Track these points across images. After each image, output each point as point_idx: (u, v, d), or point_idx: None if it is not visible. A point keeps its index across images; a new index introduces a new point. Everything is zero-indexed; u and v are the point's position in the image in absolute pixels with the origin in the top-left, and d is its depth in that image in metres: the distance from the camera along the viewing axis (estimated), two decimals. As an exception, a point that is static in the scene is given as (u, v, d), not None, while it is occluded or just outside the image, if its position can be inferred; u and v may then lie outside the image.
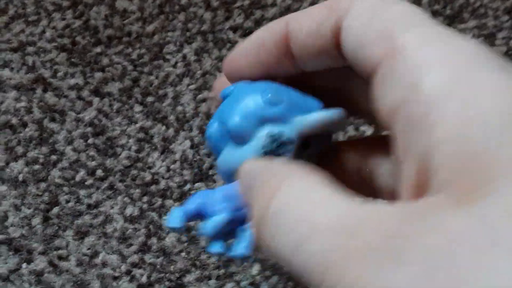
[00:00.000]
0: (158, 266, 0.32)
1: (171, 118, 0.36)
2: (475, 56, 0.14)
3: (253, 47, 0.19)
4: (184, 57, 0.39)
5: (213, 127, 0.20)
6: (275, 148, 0.20)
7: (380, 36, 0.16)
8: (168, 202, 0.34)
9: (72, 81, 0.37)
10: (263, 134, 0.20)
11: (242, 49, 0.20)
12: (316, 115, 0.20)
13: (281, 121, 0.20)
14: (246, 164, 0.18)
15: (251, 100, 0.19)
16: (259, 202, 0.15)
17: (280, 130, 0.20)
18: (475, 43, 0.15)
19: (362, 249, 0.12)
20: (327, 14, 0.17)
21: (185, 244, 0.32)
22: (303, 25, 0.18)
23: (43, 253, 0.32)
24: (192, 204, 0.20)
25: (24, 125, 0.35)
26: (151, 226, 0.33)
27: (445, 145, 0.13)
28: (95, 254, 0.32)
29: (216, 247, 0.20)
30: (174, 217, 0.21)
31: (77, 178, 0.34)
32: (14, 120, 0.36)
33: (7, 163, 0.34)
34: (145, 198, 0.34)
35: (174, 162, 0.35)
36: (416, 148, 0.14)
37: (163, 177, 0.34)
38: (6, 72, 0.37)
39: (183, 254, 0.32)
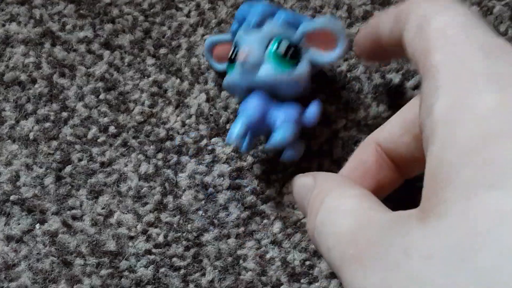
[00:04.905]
0: (175, 225, 0.30)
1: (185, 70, 0.34)
2: (481, 76, 0.16)
3: (365, 37, 0.25)
4: (198, 5, 0.36)
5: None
6: (285, 52, 0.26)
7: (421, 53, 0.18)
8: (184, 158, 0.32)
9: (81, 34, 0.35)
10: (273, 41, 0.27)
11: (359, 37, 0.26)
12: (314, 22, 0.27)
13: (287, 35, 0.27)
14: (298, 179, 0.23)
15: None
16: (311, 215, 0.21)
17: (287, 35, 0.27)
18: (487, 62, 0.17)
19: (356, 256, 0.17)
20: (394, 23, 0.21)
21: (203, 202, 0.31)
22: (385, 28, 0.22)
23: (56, 213, 0.31)
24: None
25: (33, 81, 0.34)
26: (166, 184, 0.31)
27: (430, 166, 0.16)
28: (110, 213, 0.31)
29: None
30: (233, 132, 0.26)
31: (89, 135, 0.33)
32: (23, 77, 0.34)
33: (17, 121, 0.33)
34: (159, 155, 0.32)
35: (190, 116, 0.33)
36: (428, 161, 0.17)
37: (178, 133, 0.33)
38: (13, 27, 0.36)
39: (200, 212, 0.31)
